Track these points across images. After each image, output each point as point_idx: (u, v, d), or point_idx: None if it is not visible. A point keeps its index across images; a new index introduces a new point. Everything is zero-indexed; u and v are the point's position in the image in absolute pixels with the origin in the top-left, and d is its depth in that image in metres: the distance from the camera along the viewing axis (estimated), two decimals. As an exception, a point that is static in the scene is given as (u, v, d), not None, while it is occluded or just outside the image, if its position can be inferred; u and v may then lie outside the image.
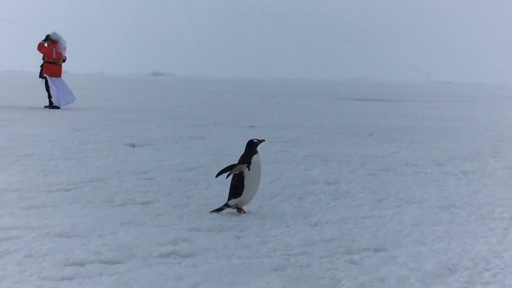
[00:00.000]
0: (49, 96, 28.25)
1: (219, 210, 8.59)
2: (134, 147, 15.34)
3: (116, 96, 46.72)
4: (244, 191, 8.46)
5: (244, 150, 8.66)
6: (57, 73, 28.39)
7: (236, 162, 8.64)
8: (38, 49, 28.17)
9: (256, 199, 9.45)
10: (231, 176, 8.60)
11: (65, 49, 28.54)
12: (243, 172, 8.48)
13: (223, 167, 8.64)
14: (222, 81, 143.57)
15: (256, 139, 8.71)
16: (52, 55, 28.13)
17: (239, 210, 8.58)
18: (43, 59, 28.32)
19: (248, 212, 8.64)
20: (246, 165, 8.49)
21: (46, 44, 28.27)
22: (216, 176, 8.72)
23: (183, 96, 49.50)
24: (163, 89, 68.76)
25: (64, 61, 28.46)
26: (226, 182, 10.83)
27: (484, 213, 8.80)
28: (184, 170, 11.91)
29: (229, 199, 8.57)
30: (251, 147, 8.60)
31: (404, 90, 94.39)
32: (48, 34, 28.41)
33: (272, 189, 10.27)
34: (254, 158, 8.53)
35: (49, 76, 28.08)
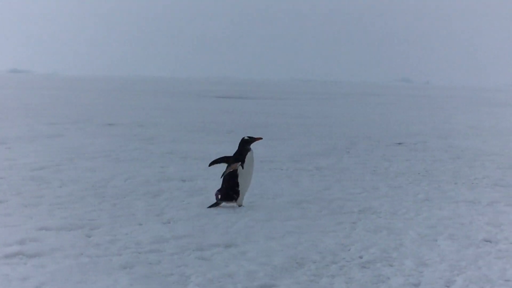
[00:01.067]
0: None
1: (215, 205, 8.85)
2: (-14, 146, 14.87)
3: (-30, 93, 45.16)
4: (240, 188, 8.82)
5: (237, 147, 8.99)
6: None
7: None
8: None
9: (110, 197, 9.34)
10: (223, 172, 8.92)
11: None
12: (236, 170, 8.80)
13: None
14: (83, 78, 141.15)
15: (249, 137, 9.00)
16: None
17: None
18: None
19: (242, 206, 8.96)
20: (240, 163, 8.82)
21: None
22: (209, 165, 9.13)
23: (41, 94, 48.38)
24: (21, 87, 66.99)
25: None
26: (79, 180, 10.68)
27: (335, 207, 8.99)
28: (37, 169, 11.62)
29: (231, 198, 8.85)
30: (244, 144, 8.93)
31: (265, 87, 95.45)
32: None
33: (126, 187, 10.16)
34: (248, 155, 8.88)
35: None
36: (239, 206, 8.90)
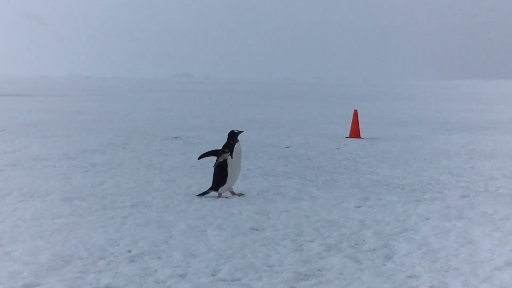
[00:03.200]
0: None
1: (204, 194, 9.39)
2: None
3: None
4: (228, 177, 9.28)
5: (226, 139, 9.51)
6: None
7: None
8: None
9: None
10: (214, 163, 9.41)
11: None
12: (226, 160, 9.28)
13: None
14: None
15: (236, 130, 9.54)
16: None
17: (233, 193, 9.51)
18: None
19: (244, 195, 9.53)
20: (229, 153, 9.31)
21: None
22: (198, 159, 9.75)
23: None
24: None
25: None
26: None
27: (107, 203, 8.92)
28: None
29: (216, 186, 9.34)
30: (233, 136, 9.44)
31: (44, 85, 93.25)
32: None
33: None
34: (236, 146, 9.40)
35: None
36: (219, 194, 9.36)
